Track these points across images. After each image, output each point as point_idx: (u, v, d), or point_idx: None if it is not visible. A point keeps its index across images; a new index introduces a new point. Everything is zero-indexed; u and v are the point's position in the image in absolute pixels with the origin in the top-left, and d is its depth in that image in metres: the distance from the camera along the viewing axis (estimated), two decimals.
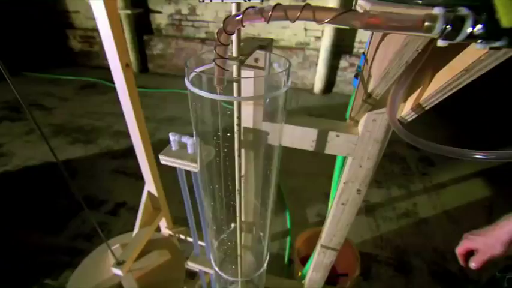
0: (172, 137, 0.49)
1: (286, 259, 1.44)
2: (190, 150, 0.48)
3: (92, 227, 1.54)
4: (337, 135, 0.39)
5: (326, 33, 3.02)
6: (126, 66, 0.71)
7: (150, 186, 0.97)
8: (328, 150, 0.42)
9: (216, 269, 0.59)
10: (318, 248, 0.55)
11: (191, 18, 3.47)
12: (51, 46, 3.94)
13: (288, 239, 1.53)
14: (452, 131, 2.82)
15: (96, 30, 3.73)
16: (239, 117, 0.34)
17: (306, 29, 3.27)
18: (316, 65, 3.29)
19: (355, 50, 3.25)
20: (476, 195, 1.95)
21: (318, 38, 3.25)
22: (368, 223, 1.67)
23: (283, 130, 0.41)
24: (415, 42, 0.19)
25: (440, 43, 0.16)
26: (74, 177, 1.91)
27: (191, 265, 0.81)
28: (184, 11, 3.44)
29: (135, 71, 3.72)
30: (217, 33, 0.25)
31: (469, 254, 0.58)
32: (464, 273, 1.39)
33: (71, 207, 1.66)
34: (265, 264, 0.58)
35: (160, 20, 3.59)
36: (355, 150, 0.40)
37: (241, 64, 0.29)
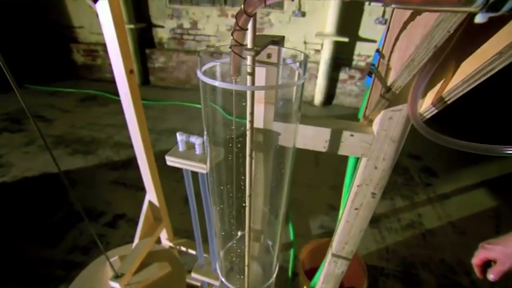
0: (180, 136, 0.48)
1: (290, 272, 1.39)
2: (198, 150, 0.47)
3: (89, 239, 1.49)
4: (352, 135, 0.38)
5: (326, 46, 3.08)
6: (130, 72, 0.71)
7: (151, 195, 0.95)
8: (342, 150, 0.40)
9: (223, 279, 0.56)
10: (328, 258, 0.53)
11: (192, 32, 3.55)
12: (55, 59, 3.99)
13: (292, 251, 1.48)
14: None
15: (99, 44, 3.81)
16: (252, 113, 0.33)
17: (305, 42, 3.34)
18: (316, 77, 3.34)
19: (354, 62, 3.31)
20: (481, 205, 1.92)
21: (318, 51, 3.32)
22: (373, 234, 1.63)
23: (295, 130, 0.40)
24: (449, 20, 0.18)
25: (479, 19, 0.15)
26: (73, 187, 1.87)
27: (195, 276, 0.78)
28: (186, 25, 3.52)
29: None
30: (236, 16, 0.24)
31: (486, 264, 0.55)
32: (475, 287, 1.35)
33: (69, 219, 1.62)
34: (274, 276, 0.55)
35: (162, 34, 3.67)
36: (370, 150, 0.38)
37: (257, 55, 0.29)
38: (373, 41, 3.15)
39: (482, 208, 1.89)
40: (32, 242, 1.48)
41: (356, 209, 0.43)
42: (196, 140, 0.46)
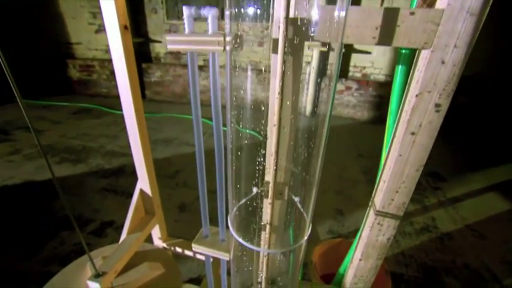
0: (187, 10, 0.38)
1: (299, 276, 1.23)
2: (211, 27, 0.37)
3: (71, 249, 1.33)
4: (412, 13, 0.29)
5: (315, 56, 3.12)
6: (124, 28, 0.64)
7: (143, 183, 0.83)
8: (397, 39, 0.31)
9: (235, 235, 0.43)
10: (369, 220, 0.42)
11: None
12: (50, 75, 3.96)
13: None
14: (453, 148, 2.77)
15: (96, 59, 3.82)
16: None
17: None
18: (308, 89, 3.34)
19: (350, 73, 3.35)
20: (496, 208, 1.81)
21: (308, 63, 3.36)
22: None
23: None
24: None
25: None
26: (58, 195, 1.72)
27: (197, 249, 0.62)
28: None
29: None
30: None
31: None
32: None
33: (50, 228, 1.45)
34: (305, 237, 0.43)
35: (159, 48, 3.71)
36: (436, 34, 0.29)
37: None
38: (368, 53, 3.22)
39: (497, 211, 1.78)
40: (6, 252, 1.30)
41: (412, 133, 0.34)
42: (208, 12, 0.37)
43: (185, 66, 3.65)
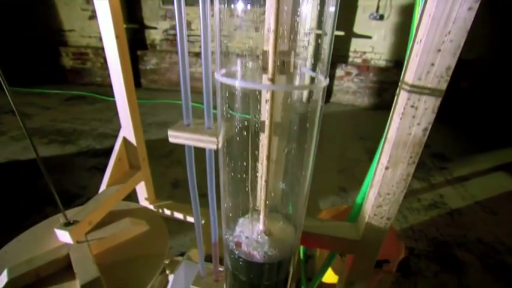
0: None
1: (302, 255, 1.14)
2: None
3: None
4: None
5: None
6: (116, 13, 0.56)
7: (127, 130, 0.74)
8: None
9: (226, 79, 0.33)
10: (400, 101, 0.32)
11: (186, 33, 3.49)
12: (43, 63, 3.85)
13: None
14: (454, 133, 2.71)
15: (89, 47, 3.71)
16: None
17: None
18: None
19: (350, 59, 3.27)
20: (506, 187, 1.73)
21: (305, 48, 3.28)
22: None
23: None
24: None
25: None
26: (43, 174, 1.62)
27: (174, 137, 0.52)
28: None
29: None
30: None
31: None
32: None
33: (34, 204, 1.35)
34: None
35: (155, 35, 3.61)
36: None
37: None
38: (369, 37, 3.14)
39: (507, 189, 1.70)
40: None
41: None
42: None
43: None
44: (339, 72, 3.27)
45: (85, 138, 2.12)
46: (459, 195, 1.61)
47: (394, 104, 0.34)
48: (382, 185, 0.37)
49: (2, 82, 0.41)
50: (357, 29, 3.13)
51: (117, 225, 0.67)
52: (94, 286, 0.51)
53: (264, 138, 0.32)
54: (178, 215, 0.84)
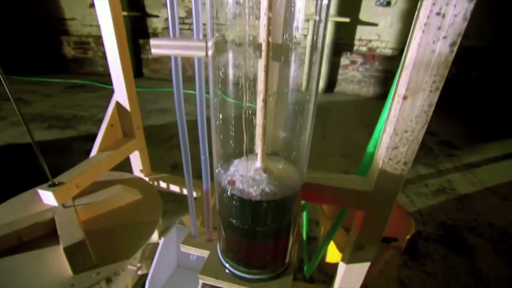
0: None
1: (304, 235, 1.10)
2: None
3: None
4: None
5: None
6: None
7: (121, 95, 0.70)
8: None
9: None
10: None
11: (188, 21, 3.44)
12: (44, 52, 3.83)
13: (305, 214, 1.20)
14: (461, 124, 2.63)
15: (91, 36, 3.67)
16: None
17: (298, 28, 3.23)
18: None
19: (355, 47, 3.19)
20: None
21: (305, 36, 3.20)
22: (399, 198, 1.36)
23: None
24: None
25: None
26: (43, 156, 1.59)
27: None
28: (182, 14, 3.42)
29: None
30: None
31: None
32: None
33: (27, 183, 1.32)
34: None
35: (157, 24, 3.56)
36: None
37: None
38: (375, 25, 3.06)
39: None
40: None
41: None
42: None
43: None
44: (344, 61, 3.19)
45: (84, 123, 2.09)
46: (468, 181, 1.55)
47: (415, 18, 0.29)
48: (399, 120, 0.32)
49: None
50: (363, 15, 3.04)
51: (108, 191, 0.63)
52: (78, 249, 0.47)
53: (262, 61, 0.27)
54: (175, 188, 0.79)
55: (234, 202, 0.28)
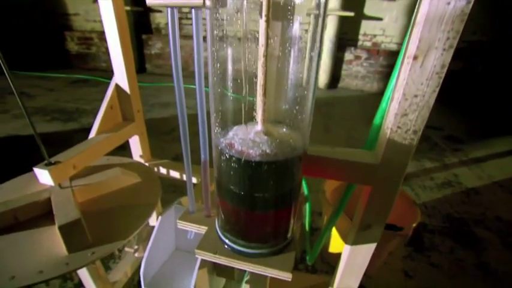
0: None
1: (307, 226, 1.08)
2: None
3: None
4: None
5: (329, 23, 2.93)
6: None
7: (120, 76, 0.68)
8: None
9: None
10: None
11: (191, 16, 3.42)
12: (48, 48, 3.84)
13: (307, 205, 1.18)
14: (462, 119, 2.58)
15: (94, 31, 3.68)
16: None
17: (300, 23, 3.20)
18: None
19: (359, 42, 3.15)
20: None
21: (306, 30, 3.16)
22: (404, 191, 1.33)
23: None
24: None
25: None
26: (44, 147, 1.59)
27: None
28: (185, 9, 3.40)
29: None
30: None
31: None
32: None
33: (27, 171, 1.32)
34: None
35: (160, 19, 3.55)
36: None
37: None
38: (379, 19, 3.01)
39: None
40: None
41: None
42: None
43: (187, 37, 3.49)
44: (348, 56, 3.16)
45: (87, 116, 2.09)
46: (475, 175, 1.52)
47: None
48: (409, 83, 0.30)
49: (1, 62, 0.41)
50: (367, 10, 3.00)
51: (105, 174, 0.61)
52: (74, 228, 0.45)
53: (263, 9, 0.26)
54: (175, 174, 0.78)
55: (232, 165, 0.27)
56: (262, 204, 0.28)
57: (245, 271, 0.97)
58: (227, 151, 0.27)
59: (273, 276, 0.32)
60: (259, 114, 0.28)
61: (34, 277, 0.40)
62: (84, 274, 0.71)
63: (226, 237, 0.33)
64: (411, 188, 1.36)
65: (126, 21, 0.65)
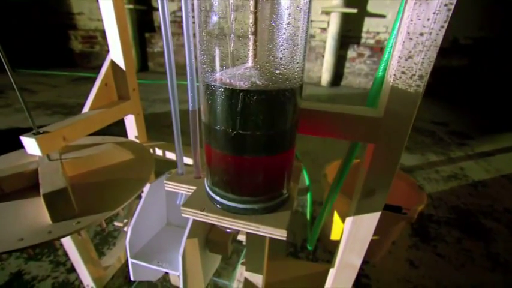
0: None
1: (308, 216, 1.05)
2: None
3: None
4: None
5: (332, 21, 2.91)
6: None
7: (116, 52, 0.66)
8: None
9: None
10: None
11: (193, 14, 3.43)
12: (52, 47, 3.88)
13: (309, 195, 1.15)
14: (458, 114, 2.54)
15: (98, 30, 3.70)
16: None
17: (311, 21, 3.19)
18: (323, 56, 3.14)
19: (362, 40, 3.13)
20: None
21: (324, 29, 3.15)
22: None
23: None
24: None
25: None
26: None
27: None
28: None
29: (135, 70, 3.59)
30: None
31: None
32: None
33: None
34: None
35: None
36: None
37: None
38: (383, 16, 2.99)
39: None
40: None
41: None
42: None
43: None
44: (351, 53, 3.13)
45: None
46: (482, 168, 1.48)
47: None
48: (414, 20, 0.27)
49: (2, 58, 0.41)
50: (371, 7, 2.98)
51: (97, 148, 0.59)
52: (58, 197, 0.43)
53: None
54: (171, 155, 0.76)
55: (219, 99, 0.24)
56: (252, 145, 0.26)
57: (240, 253, 0.93)
58: (214, 84, 0.24)
59: (265, 234, 0.29)
60: (250, 49, 0.25)
61: (13, 244, 0.38)
62: (75, 257, 0.69)
63: (215, 192, 0.30)
64: (416, 179, 1.33)
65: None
